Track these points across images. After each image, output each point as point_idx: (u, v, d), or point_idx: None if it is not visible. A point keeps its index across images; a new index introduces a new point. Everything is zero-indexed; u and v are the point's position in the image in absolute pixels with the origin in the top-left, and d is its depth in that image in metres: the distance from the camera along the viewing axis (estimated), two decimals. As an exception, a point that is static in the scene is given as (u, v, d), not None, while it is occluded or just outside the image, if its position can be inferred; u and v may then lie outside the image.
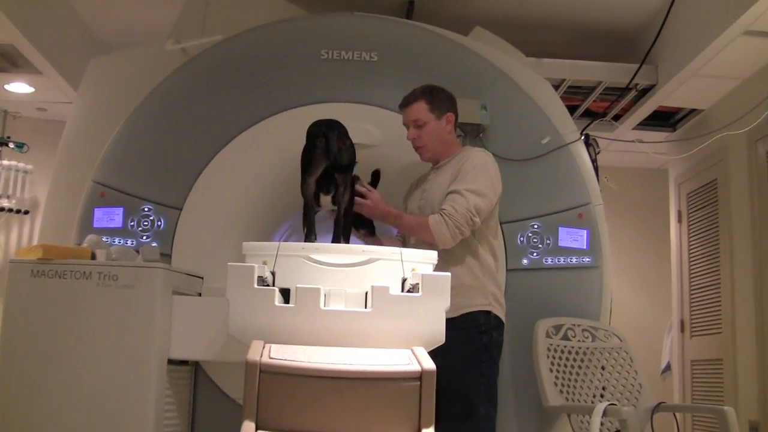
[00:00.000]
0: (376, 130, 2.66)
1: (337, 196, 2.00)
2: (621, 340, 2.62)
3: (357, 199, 2.23)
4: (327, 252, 1.78)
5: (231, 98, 2.68)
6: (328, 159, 1.92)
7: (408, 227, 2.27)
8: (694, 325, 3.93)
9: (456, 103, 2.39)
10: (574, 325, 2.57)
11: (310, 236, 1.95)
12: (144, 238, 2.58)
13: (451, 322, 1.76)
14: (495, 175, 2.27)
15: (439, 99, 2.34)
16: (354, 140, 2.04)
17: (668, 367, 4.27)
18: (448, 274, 1.71)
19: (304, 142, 1.98)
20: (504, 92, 2.76)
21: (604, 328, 2.62)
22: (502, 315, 2.28)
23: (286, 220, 2.80)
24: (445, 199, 2.21)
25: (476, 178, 2.22)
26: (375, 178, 2.47)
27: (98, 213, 2.58)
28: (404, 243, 2.43)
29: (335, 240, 2.01)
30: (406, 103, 2.36)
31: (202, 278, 2.48)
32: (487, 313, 2.23)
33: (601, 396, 2.50)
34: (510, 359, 2.51)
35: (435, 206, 2.25)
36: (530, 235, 2.64)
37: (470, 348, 2.19)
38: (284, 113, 2.66)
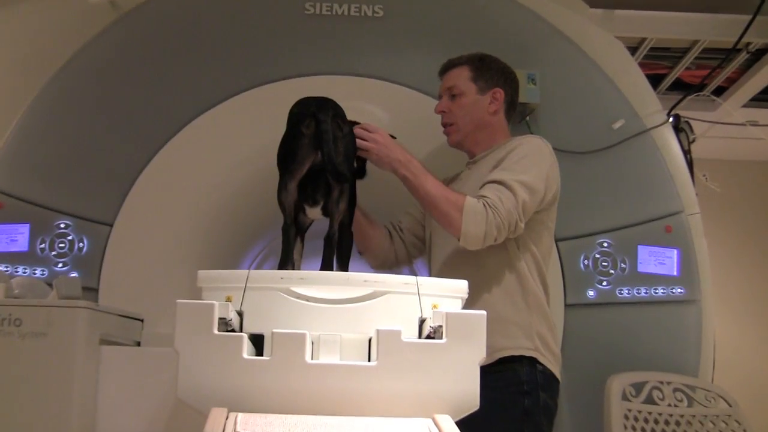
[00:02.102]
0: (382, 113, 2.69)
1: (329, 204, 2.00)
2: (730, 405, 2.61)
3: (358, 142, 2.22)
4: (315, 283, 1.79)
5: (181, 71, 2.71)
6: (319, 153, 1.93)
7: (427, 195, 2.21)
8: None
9: (514, 80, 2.47)
10: (662, 382, 2.57)
11: (286, 263, 1.95)
12: (59, 265, 2.60)
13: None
14: (553, 169, 2.32)
15: (489, 69, 2.43)
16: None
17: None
18: (484, 312, 1.72)
19: (283, 128, 2.00)
20: (559, 58, 2.79)
21: (705, 387, 2.62)
22: (555, 368, 2.29)
23: (259, 238, 2.82)
24: (484, 187, 2.22)
25: (528, 167, 2.25)
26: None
27: (-6, 231, 2.62)
28: (394, 237, 2.50)
29: (326, 266, 2.00)
30: (446, 68, 2.46)
31: (141, 321, 2.49)
32: (533, 362, 2.24)
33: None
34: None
35: None
36: (598, 256, 2.66)
37: (507, 415, 2.19)
38: (255, 90, 2.70)
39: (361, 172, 2.31)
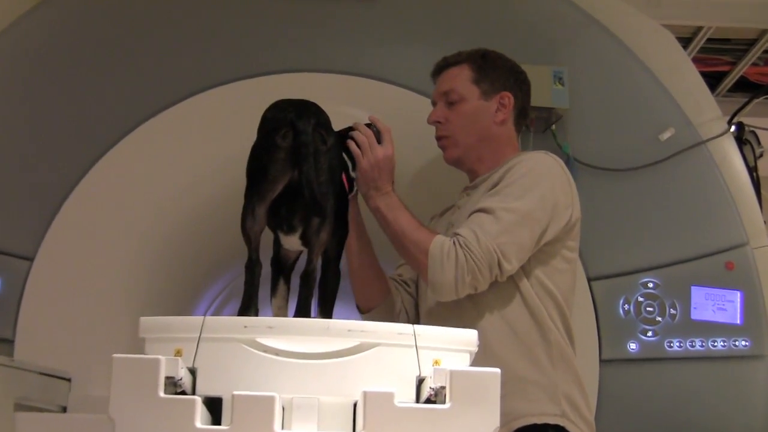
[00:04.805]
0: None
1: (308, 232, 1.99)
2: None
3: (350, 145, 2.26)
4: (287, 333, 1.79)
5: (118, 68, 2.74)
6: (297, 171, 1.91)
7: (396, 234, 2.29)
8: None
9: (525, 82, 2.47)
10: (722, 458, 2.58)
11: (248, 308, 1.95)
12: (-37, 311, 2.60)
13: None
14: (563, 190, 2.30)
15: (495, 68, 2.43)
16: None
17: None
18: (497, 371, 1.73)
19: (252, 137, 2.00)
20: (593, 52, 2.82)
21: (775, 463, 2.63)
22: (585, 437, 2.31)
23: (218, 276, 2.84)
24: (467, 219, 2.25)
25: (524, 191, 2.25)
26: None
27: None
28: (400, 291, 2.51)
29: (301, 311, 1.99)
30: (441, 67, 2.46)
31: (68, 381, 2.50)
32: (559, 431, 2.26)
33: None
34: None
35: None
36: (641, 300, 2.67)
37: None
38: (215, 91, 2.73)
39: (352, 188, 2.34)
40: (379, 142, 2.30)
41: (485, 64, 2.42)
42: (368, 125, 2.30)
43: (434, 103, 2.48)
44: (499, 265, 2.17)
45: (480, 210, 2.23)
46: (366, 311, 2.53)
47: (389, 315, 2.51)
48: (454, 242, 2.18)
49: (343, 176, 2.25)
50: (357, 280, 2.52)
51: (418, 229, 2.28)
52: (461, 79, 2.42)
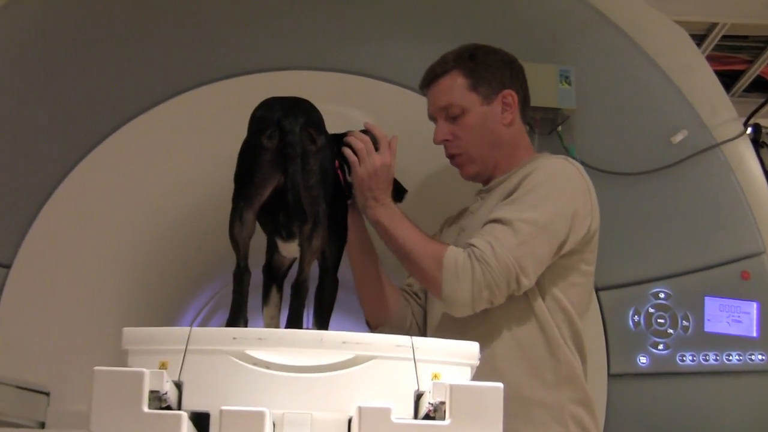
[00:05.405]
0: (370, 120, 2.69)
1: (300, 239, 1.97)
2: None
3: (346, 151, 2.25)
4: (278, 345, 1.79)
5: (98, 67, 2.74)
6: (284, 172, 1.90)
7: (402, 247, 2.27)
8: None
9: (520, 70, 2.46)
10: (737, 478, 2.59)
11: (237, 319, 1.95)
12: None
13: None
14: (584, 200, 2.30)
15: (487, 66, 2.40)
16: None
17: None
18: (500, 385, 1.73)
19: (241, 137, 2.00)
20: (602, 50, 2.82)
21: (794, 484, 2.63)
22: (595, 459, 2.31)
23: (206, 285, 2.84)
24: (482, 229, 2.24)
25: (542, 200, 2.24)
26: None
27: None
28: (411, 303, 2.50)
29: (293, 322, 1.98)
30: (429, 80, 2.43)
31: (47, 394, 2.50)
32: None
33: None
34: None
35: None
36: (652, 311, 2.67)
37: None
38: (199, 90, 2.73)
39: (351, 191, 2.33)
40: (375, 149, 2.29)
41: (477, 66, 2.39)
42: (364, 131, 2.29)
43: (432, 118, 2.45)
44: (517, 280, 2.17)
45: (495, 220, 2.22)
46: (375, 327, 2.52)
47: (400, 330, 2.47)
48: (469, 255, 2.17)
49: (342, 178, 2.26)
50: (363, 292, 2.52)
51: (426, 241, 2.27)
52: (457, 89, 2.39)
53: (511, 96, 2.41)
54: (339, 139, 2.27)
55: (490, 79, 2.39)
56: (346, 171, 2.29)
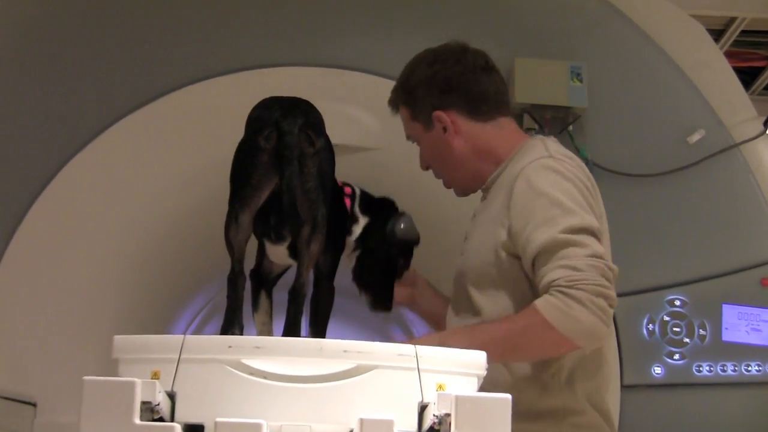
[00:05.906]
0: (372, 120, 2.74)
1: (298, 243, 1.98)
2: None
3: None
4: (275, 353, 1.79)
5: (89, 64, 2.77)
6: (281, 174, 1.91)
7: (494, 341, 2.10)
8: None
9: (453, 77, 2.35)
10: (756, 494, 2.58)
11: (232, 326, 1.95)
12: None
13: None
14: (583, 193, 2.21)
15: (414, 93, 2.37)
16: (333, 139, 2.07)
17: None
18: (508, 396, 1.73)
19: (238, 137, 2.00)
20: (615, 46, 2.84)
21: (815, 500, 2.62)
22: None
23: (199, 291, 2.84)
24: (535, 263, 2.14)
25: (564, 201, 2.15)
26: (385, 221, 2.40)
27: None
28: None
29: (290, 330, 1.99)
30: (394, 108, 2.45)
31: (34, 405, 2.50)
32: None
33: None
34: None
35: (470, 273, 2.29)
36: (667, 319, 2.68)
37: None
38: (190, 88, 2.74)
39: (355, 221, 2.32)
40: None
41: (408, 96, 2.38)
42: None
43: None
44: (607, 266, 2.09)
45: (541, 252, 2.12)
46: None
47: None
48: (555, 293, 2.07)
49: (346, 191, 2.26)
50: (431, 322, 2.58)
51: (509, 321, 2.18)
52: (405, 121, 2.41)
53: (439, 119, 2.35)
54: (375, 204, 2.30)
55: (421, 105, 2.37)
56: (355, 201, 2.27)
